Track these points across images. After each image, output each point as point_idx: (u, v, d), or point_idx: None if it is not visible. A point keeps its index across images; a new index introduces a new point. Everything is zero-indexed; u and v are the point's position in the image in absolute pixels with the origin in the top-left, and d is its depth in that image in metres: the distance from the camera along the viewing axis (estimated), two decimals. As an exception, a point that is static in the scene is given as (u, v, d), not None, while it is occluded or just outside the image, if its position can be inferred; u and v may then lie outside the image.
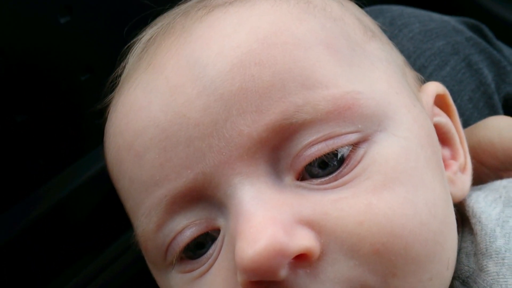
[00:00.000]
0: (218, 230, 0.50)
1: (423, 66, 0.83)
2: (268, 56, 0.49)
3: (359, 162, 0.48)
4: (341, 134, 0.48)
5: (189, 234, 0.51)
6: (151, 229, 0.52)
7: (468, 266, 0.55)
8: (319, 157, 0.48)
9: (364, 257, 0.46)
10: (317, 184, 0.48)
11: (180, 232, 0.51)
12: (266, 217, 0.46)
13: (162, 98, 0.50)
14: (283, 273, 0.45)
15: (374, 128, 0.50)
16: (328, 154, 0.48)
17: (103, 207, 0.78)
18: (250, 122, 0.48)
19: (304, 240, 0.45)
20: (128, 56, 0.61)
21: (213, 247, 0.51)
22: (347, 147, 0.48)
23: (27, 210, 0.74)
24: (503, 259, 0.51)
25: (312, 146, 0.48)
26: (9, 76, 0.69)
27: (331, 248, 0.46)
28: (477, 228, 0.55)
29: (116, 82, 0.61)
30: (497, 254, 0.52)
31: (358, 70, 0.52)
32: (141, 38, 0.61)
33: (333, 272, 0.46)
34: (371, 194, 0.47)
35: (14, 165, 0.73)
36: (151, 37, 0.58)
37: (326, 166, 0.49)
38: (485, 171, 0.67)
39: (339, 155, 0.48)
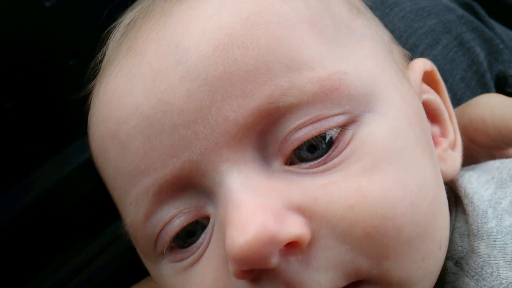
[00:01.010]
0: (207, 218, 0.50)
1: (415, 45, 0.83)
2: (252, 38, 0.47)
3: (347, 144, 0.48)
4: (329, 116, 0.48)
5: (178, 223, 0.50)
6: (139, 219, 0.51)
7: (462, 247, 0.54)
8: (307, 141, 0.47)
9: (356, 241, 0.46)
10: (306, 168, 0.48)
11: (169, 221, 0.50)
12: (256, 204, 0.45)
13: (144, 84, 0.49)
14: (274, 261, 0.44)
15: (362, 109, 0.49)
16: (316, 137, 0.47)
17: (94, 195, 0.77)
18: (236, 107, 0.47)
19: (295, 227, 0.45)
20: (108, 41, 0.60)
21: (203, 235, 0.50)
22: (335, 129, 0.48)
23: (16, 197, 0.74)
24: (495, 241, 0.51)
25: (299, 129, 0.47)
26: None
27: (322, 234, 0.46)
28: (469, 209, 0.54)
29: (97, 69, 0.60)
30: (488, 235, 0.52)
31: (344, 49, 0.51)
32: (120, 22, 0.59)
33: (325, 258, 0.46)
34: (360, 177, 0.47)
35: (1, 152, 0.72)
36: (131, 20, 0.57)
37: (315, 150, 0.48)
38: (477, 149, 0.66)
39: (328, 138, 0.48)
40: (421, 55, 0.82)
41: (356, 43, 0.53)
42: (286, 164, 0.48)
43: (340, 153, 0.48)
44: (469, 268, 0.53)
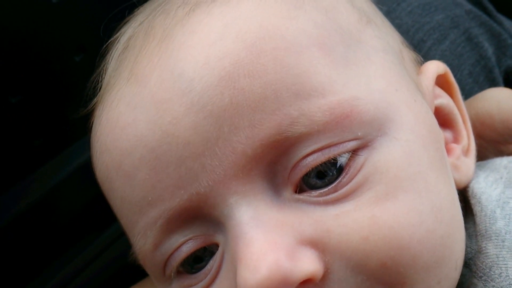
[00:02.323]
0: (216, 245, 0.49)
1: (422, 41, 0.82)
2: (258, 66, 0.46)
3: (359, 170, 0.46)
4: (339, 143, 0.46)
5: (186, 249, 0.49)
6: (147, 249, 0.51)
7: (471, 248, 0.54)
8: (316, 167, 0.46)
9: (371, 271, 0.45)
10: (316, 196, 0.46)
11: (177, 248, 0.49)
12: (267, 241, 0.44)
13: (147, 115, 0.48)
14: None
15: (374, 134, 0.47)
16: (325, 163, 0.46)
17: (96, 194, 0.77)
18: (244, 138, 0.45)
19: (308, 265, 0.44)
20: (108, 56, 0.58)
21: (211, 262, 0.49)
22: (345, 155, 0.46)
23: (16, 197, 0.74)
24: (503, 241, 0.51)
25: (308, 156, 0.46)
26: (2, 56, 0.68)
27: (336, 266, 0.45)
28: (477, 209, 0.54)
29: (100, 79, 0.58)
30: (497, 236, 0.51)
31: (354, 68, 0.49)
32: (120, 37, 0.58)
33: None
34: (374, 206, 0.45)
35: (9, 147, 0.72)
36: (131, 37, 0.55)
37: (324, 176, 0.46)
38: (484, 144, 0.65)
39: (338, 164, 0.46)
40: (429, 50, 0.81)
41: (367, 60, 0.51)
42: (295, 192, 0.47)
43: (351, 180, 0.46)
44: (477, 269, 0.52)
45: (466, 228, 0.55)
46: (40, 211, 0.76)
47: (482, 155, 0.65)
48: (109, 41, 0.59)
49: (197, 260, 0.50)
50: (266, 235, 0.44)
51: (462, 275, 0.52)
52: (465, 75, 0.81)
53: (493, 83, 0.82)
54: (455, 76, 0.79)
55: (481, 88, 0.80)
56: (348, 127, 0.46)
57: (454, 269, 0.49)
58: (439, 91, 0.59)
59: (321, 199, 0.46)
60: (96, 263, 0.78)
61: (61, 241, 0.78)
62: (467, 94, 0.79)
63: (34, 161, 0.76)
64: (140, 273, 0.68)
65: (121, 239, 0.78)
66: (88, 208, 0.80)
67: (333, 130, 0.46)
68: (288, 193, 0.47)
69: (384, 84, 0.50)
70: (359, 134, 0.46)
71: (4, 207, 0.73)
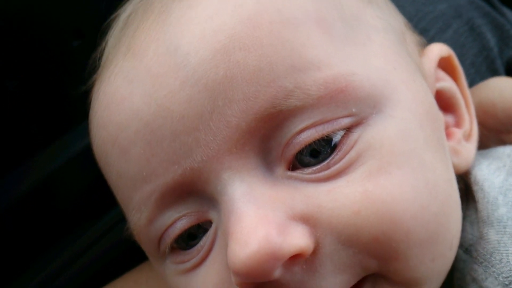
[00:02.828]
0: (210, 222, 0.49)
1: (425, 30, 0.81)
2: (253, 39, 0.46)
3: (352, 147, 0.46)
4: (333, 119, 0.46)
5: (180, 225, 0.50)
6: (142, 224, 0.51)
7: (472, 235, 0.54)
8: (309, 144, 0.46)
9: (363, 245, 0.45)
10: (309, 174, 0.46)
11: (171, 224, 0.50)
12: (258, 216, 0.44)
13: (143, 89, 0.48)
14: (277, 273, 0.44)
15: (369, 111, 0.47)
16: (318, 140, 0.46)
17: (96, 179, 0.77)
18: (238, 111, 0.45)
19: (298, 239, 0.44)
20: (108, 34, 0.58)
21: (204, 238, 0.49)
22: (340, 132, 0.46)
23: (20, 180, 0.73)
24: (505, 228, 0.50)
25: (301, 132, 0.46)
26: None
27: (327, 241, 0.45)
28: (479, 195, 0.54)
29: (99, 57, 0.58)
30: (498, 222, 0.51)
31: (352, 46, 0.49)
32: (120, 14, 0.58)
33: (332, 264, 0.45)
34: (366, 180, 0.45)
35: (6, 133, 0.72)
36: (130, 13, 0.55)
37: (318, 155, 0.46)
38: (486, 133, 0.65)
39: (332, 142, 0.46)
40: (432, 39, 0.81)
41: (366, 38, 0.51)
42: (288, 169, 0.47)
43: (344, 156, 0.46)
44: (478, 255, 0.52)
45: (468, 215, 0.55)
46: (38, 197, 0.75)
47: (484, 144, 0.64)
48: (109, 19, 0.59)
49: (191, 237, 0.50)
50: (258, 211, 0.44)
51: (463, 261, 0.52)
52: (467, 65, 0.80)
53: (495, 74, 0.81)
54: (457, 66, 0.79)
55: (483, 78, 0.80)
56: (343, 102, 0.46)
57: (449, 249, 0.49)
58: (442, 74, 0.59)
59: (313, 176, 0.46)
60: (94, 249, 0.78)
61: (59, 227, 0.78)
62: (469, 84, 0.78)
63: (32, 147, 0.75)
64: (138, 259, 0.68)
65: (119, 225, 0.77)
66: (86, 195, 0.79)
67: (327, 104, 0.46)
68: (281, 170, 0.47)
69: (383, 62, 0.50)
70: (354, 110, 0.46)
71: (2, 193, 0.72)
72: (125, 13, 0.57)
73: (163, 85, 0.47)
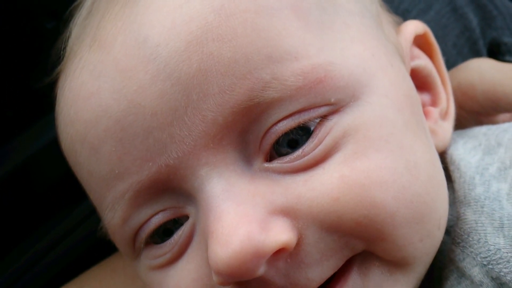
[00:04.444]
0: (186, 217, 0.48)
1: (407, 11, 0.81)
2: (227, 29, 0.44)
3: (327, 134, 0.45)
4: (310, 108, 0.45)
5: (155, 221, 0.48)
6: (116, 223, 0.49)
7: (452, 215, 0.53)
8: (286, 133, 0.45)
9: (347, 230, 0.44)
10: (286, 163, 0.45)
11: (147, 221, 0.48)
12: (238, 214, 0.43)
13: (112, 84, 0.46)
14: (261, 271, 0.43)
15: (347, 100, 0.46)
16: (295, 129, 0.45)
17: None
18: (214, 105, 0.44)
19: (280, 235, 0.43)
20: (71, 22, 0.55)
21: (179, 232, 0.48)
22: (316, 120, 0.45)
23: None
24: (482, 207, 0.50)
25: (279, 122, 0.45)
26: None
27: (310, 230, 0.44)
28: (455, 175, 0.53)
29: (63, 48, 0.56)
30: (476, 202, 0.51)
31: (330, 33, 0.48)
32: (83, 1, 0.55)
33: (318, 252, 0.44)
34: (342, 166, 0.44)
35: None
36: (94, 0, 0.53)
37: (296, 144, 0.45)
38: (465, 115, 0.65)
39: (309, 130, 0.45)
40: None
41: (343, 24, 0.49)
42: (266, 161, 0.46)
43: (320, 144, 0.45)
44: (455, 235, 0.52)
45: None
46: (15, 182, 0.74)
47: (463, 127, 0.63)
48: (72, 5, 0.57)
49: (167, 233, 0.49)
50: (237, 208, 0.43)
51: (443, 242, 0.51)
52: (450, 47, 0.80)
53: (477, 55, 0.81)
54: (439, 47, 0.78)
55: (465, 59, 0.79)
56: (321, 92, 0.45)
57: (437, 228, 0.49)
58: (417, 52, 0.58)
59: (289, 165, 0.45)
60: (72, 236, 0.77)
61: (37, 212, 0.76)
62: (451, 65, 0.78)
63: (8, 132, 0.74)
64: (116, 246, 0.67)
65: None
66: (64, 179, 0.78)
67: (305, 95, 0.44)
68: (259, 162, 0.46)
69: (361, 49, 0.49)
70: (332, 100, 0.45)
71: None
72: (88, 0, 0.54)
73: (133, 79, 0.45)
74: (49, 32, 0.72)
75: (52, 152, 0.75)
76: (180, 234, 0.48)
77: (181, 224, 0.48)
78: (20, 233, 0.75)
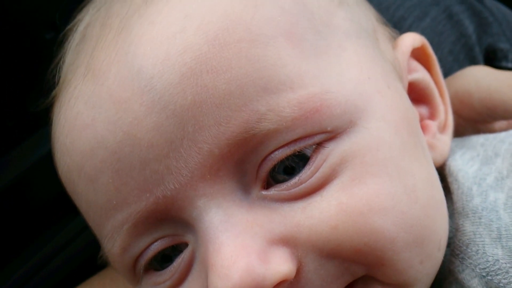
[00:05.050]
0: (186, 244, 0.48)
1: (403, 18, 0.81)
2: (221, 61, 0.43)
3: (324, 161, 0.45)
4: (306, 136, 0.45)
5: (154, 248, 0.48)
6: (116, 252, 0.49)
7: (451, 227, 0.53)
8: (282, 160, 0.45)
9: (347, 257, 0.44)
10: (283, 190, 0.45)
11: (146, 248, 0.48)
12: (237, 245, 0.43)
13: (106, 116, 0.45)
14: None
15: (344, 127, 0.46)
16: (291, 156, 0.45)
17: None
18: (209, 137, 0.43)
19: (280, 266, 0.43)
20: (65, 45, 0.55)
21: (178, 260, 0.48)
22: (312, 147, 0.45)
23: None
24: (480, 218, 0.50)
25: (275, 151, 0.44)
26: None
27: (311, 258, 0.44)
28: (453, 186, 0.53)
29: (57, 71, 0.55)
30: (473, 213, 0.51)
31: (325, 58, 0.47)
32: (77, 24, 0.55)
33: (319, 278, 0.44)
34: (340, 193, 0.44)
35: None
36: (88, 24, 0.53)
37: (293, 171, 0.45)
38: (462, 123, 0.65)
39: (307, 157, 0.45)
40: (409, 27, 0.80)
41: (338, 47, 0.49)
42: (264, 188, 0.46)
43: (317, 171, 0.45)
44: (454, 247, 0.52)
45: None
46: (13, 193, 0.74)
47: (460, 134, 0.64)
48: (66, 28, 0.56)
49: (166, 259, 0.49)
50: (236, 239, 0.43)
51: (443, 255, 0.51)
52: (446, 53, 0.80)
53: (473, 62, 0.81)
54: (435, 54, 0.79)
55: (461, 66, 0.80)
56: (318, 121, 0.45)
57: (437, 250, 0.49)
58: (414, 64, 0.58)
59: (287, 193, 0.45)
60: (71, 246, 0.77)
61: (36, 223, 0.76)
62: (447, 72, 0.78)
63: (8, 143, 0.74)
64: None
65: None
66: (64, 190, 0.78)
67: (301, 125, 0.44)
68: (256, 190, 0.46)
69: (357, 72, 0.48)
70: (329, 128, 0.45)
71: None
72: (82, 24, 0.54)
73: (128, 111, 0.44)
74: (48, 43, 0.73)
75: (50, 163, 0.76)
76: (179, 262, 0.48)
77: (180, 251, 0.48)
78: (17, 245, 0.75)
